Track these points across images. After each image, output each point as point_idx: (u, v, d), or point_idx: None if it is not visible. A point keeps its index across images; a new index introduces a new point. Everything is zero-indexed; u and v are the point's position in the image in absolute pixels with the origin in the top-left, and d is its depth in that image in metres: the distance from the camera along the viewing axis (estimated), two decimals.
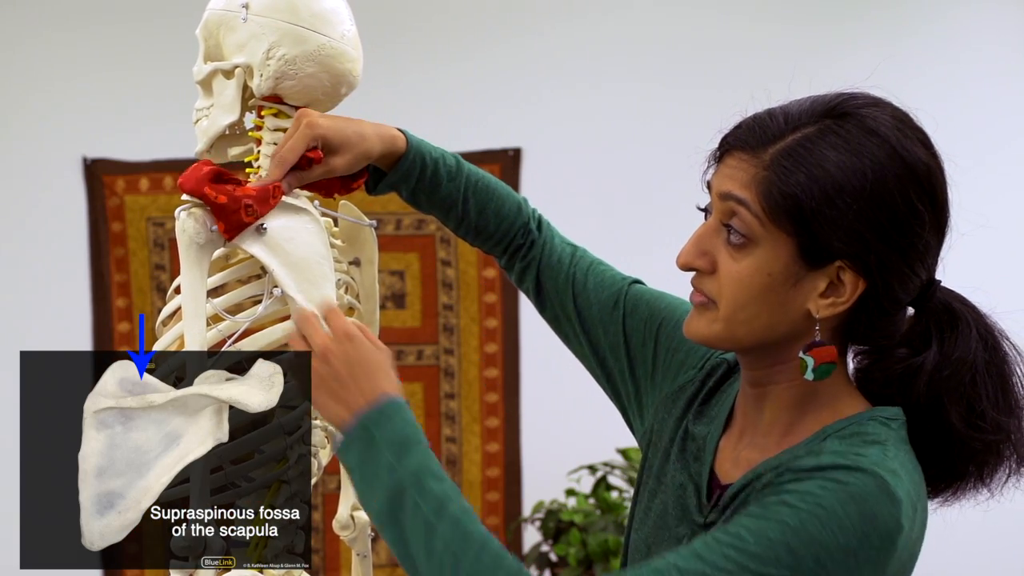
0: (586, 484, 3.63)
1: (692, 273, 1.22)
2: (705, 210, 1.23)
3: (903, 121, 1.17)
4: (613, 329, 1.47)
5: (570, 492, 3.47)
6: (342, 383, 1.23)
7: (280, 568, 1.48)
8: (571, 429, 3.63)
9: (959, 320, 1.19)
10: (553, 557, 3.64)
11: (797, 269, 1.14)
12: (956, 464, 1.21)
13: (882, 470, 1.08)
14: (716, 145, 1.21)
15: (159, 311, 1.47)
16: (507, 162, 3.73)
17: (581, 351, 1.52)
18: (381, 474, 1.17)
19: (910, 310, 1.21)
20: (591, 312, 1.49)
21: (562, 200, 3.59)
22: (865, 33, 3.71)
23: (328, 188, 1.45)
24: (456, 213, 1.52)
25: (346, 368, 1.23)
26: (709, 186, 1.21)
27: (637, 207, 3.73)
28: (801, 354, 1.16)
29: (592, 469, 3.52)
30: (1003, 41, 3.75)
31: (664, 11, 3.76)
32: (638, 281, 1.51)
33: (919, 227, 1.14)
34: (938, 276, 1.21)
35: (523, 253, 1.55)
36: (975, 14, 3.75)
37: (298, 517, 1.51)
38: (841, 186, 1.11)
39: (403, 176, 1.47)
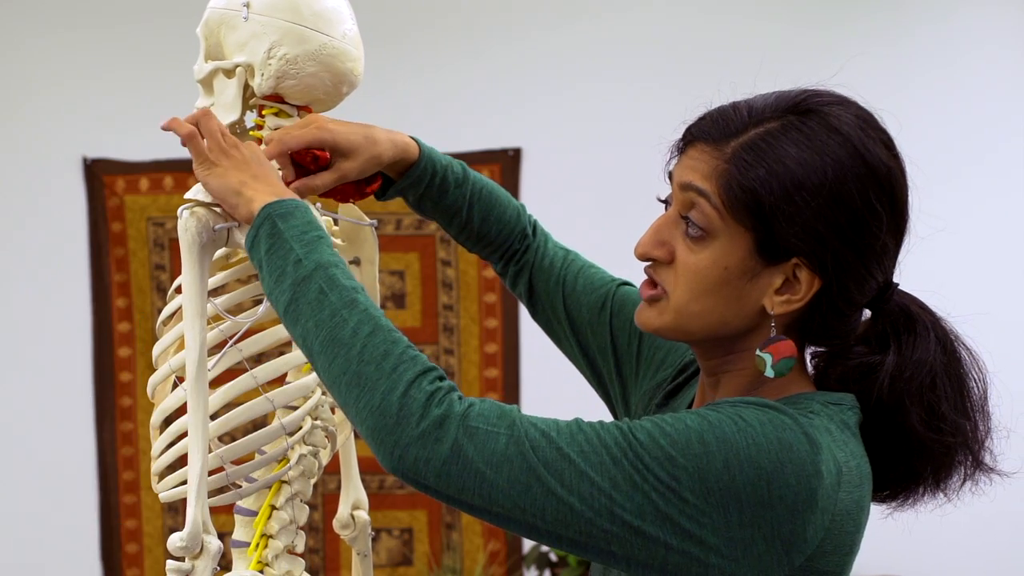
0: None
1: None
2: (666, 201, 1.23)
3: (867, 121, 1.16)
4: (601, 330, 1.48)
5: None
6: (247, 165, 1.25)
7: (280, 568, 1.48)
8: None
9: (916, 323, 1.19)
10: (553, 557, 3.64)
11: (753, 264, 1.14)
12: (914, 466, 1.20)
13: (802, 419, 1.09)
14: (680, 135, 1.21)
15: (159, 311, 1.47)
16: (507, 162, 3.73)
17: (572, 353, 1.54)
18: (287, 268, 1.16)
19: (867, 312, 1.21)
20: (580, 314, 1.50)
21: (562, 200, 3.60)
22: (866, 34, 3.71)
23: (344, 193, 1.45)
24: (459, 220, 1.53)
25: (252, 158, 1.26)
26: (671, 177, 1.21)
27: (636, 207, 3.72)
28: (758, 351, 1.15)
29: None
30: (1003, 43, 3.75)
31: (664, 11, 3.76)
32: (627, 283, 1.52)
33: (877, 228, 1.13)
34: (896, 279, 1.20)
35: (518, 258, 1.57)
36: (975, 15, 3.75)
37: (298, 517, 1.51)
38: (800, 182, 1.11)
39: (413, 183, 1.48)
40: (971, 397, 1.20)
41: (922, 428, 1.17)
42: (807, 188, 1.11)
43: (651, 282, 1.20)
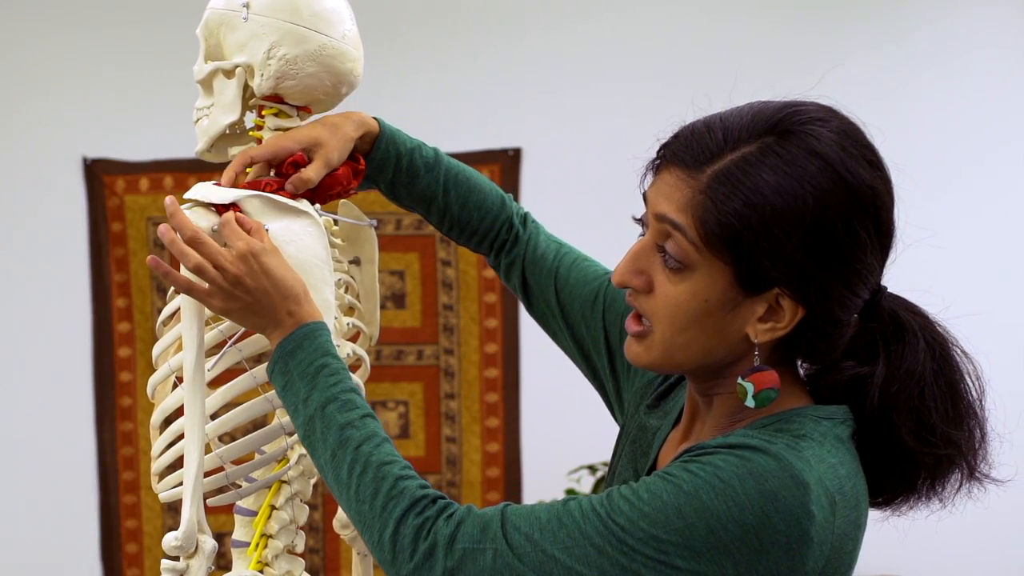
0: (586, 484, 3.63)
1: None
2: (641, 220, 1.19)
3: (849, 137, 1.11)
4: (594, 324, 1.46)
5: (570, 492, 3.47)
6: (260, 309, 1.27)
7: (280, 568, 1.48)
8: (571, 429, 3.63)
9: (906, 330, 1.16)
10: None
11: (734, 295, 1.11)
12: (907, 476, 1.19)
13: (789, 455, 1.07)
14: (654, 154, 1.17)
15: (159, 311, 1.47)
16: (507, 162, 3.73)
17: (568, 347, 1.52)
18: (298, 405, 1.22)
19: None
20: (573, 307, 1.49)
21: (562, 200, 3.59)
22: (866, 34, 3.71)
23: (344, 179, 1.44)
24: (438, 206, 1.52)
25: (259, 292, 1.26)
26: (645, 197, 1.17)
27: (637, 207, 3.73)
28: (740, 380, 1.13)
29: (592, 469, 3.52)
30: (1003, 43, 3.75)
31: (664, 11, 3.76)
32: None
33: (861, 253, 1.10)
34: (885, 281, 1.17)
35: (508, 249, 1.56)
36: (974, 15, 3.75)
37: (298, 517, 1.51)
38: (780, 215, 1.06)
39: (379, 166, 1.48)
40: (964, 403, 1.18)
41: (911, 440, 1.15)
42: (787, 220, 1.06)
43: (637, 317, 1.18)
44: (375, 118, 1.48)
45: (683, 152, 1.12)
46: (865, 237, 1.09)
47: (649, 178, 1.18)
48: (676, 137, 1.14)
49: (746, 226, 1.07)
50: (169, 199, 1.28)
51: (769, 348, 1.15)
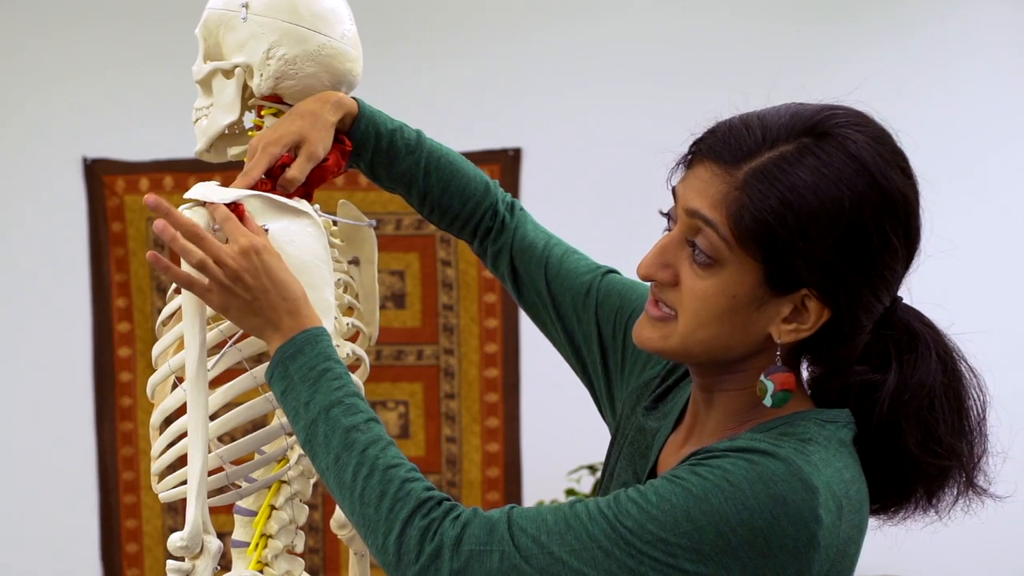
0: (586, 484, 3.63)
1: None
2: (668, 215, 1.19)
3: (883, 143, 1.12)
4: (586, 319, 1.46)
5: (570, 492, 3.47)
6: (258, 308, 1.26)
7: (279, 568, 1.48)
8: (571, 429, 3.63)
9: (919, 341, 1.17)
10: None
11: (762, 294, 1.11)
12: (908, 484, 1.19)
13: (797, 460, 1.07)
14: (687, 148, 1.16)
15: (159, 311, 1.47)
16: (507, 162, 3.73)
17: (558, 340, 1.51)
18: (299, 409, 1.21)
19: None
20: (564, 300, 1.48)
21: (562, 200, 3.59)
22: (865, 33, 3.70)
23: (335, 164, 1.44)
24: (418, 189, 1.51)
25: (258, 291, 1.25)
26: (675, 192, 1.17)
27: (637, 207, 3.72)
28: (763, 378, 1.14)
29: (592, 469, 3.52)
30: (1002, 42, 3.75)
31: (663, 11, 3.76)
32: (613, 271, 1.49)
33: (892, 259, 1.10)
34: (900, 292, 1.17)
35: (493, 237, 1.55)
36: (975, 16, 3.75)
37: (298, 517, 1.51)
38: (816, 215, 1.06)
39: (358, 146, 1.47)
40: (969, 417, 1.18)
41: (918, 450, 1.16)
42: (822, 221, 1.07)
43: (657, 301, 1.17)
44: (354, 98, 1.47)
45: (720, 147, 1.11)
46: (896, 244, 1.10)
47: (679, 173, 1.17)
48: (712, 132, 1.14)
49: (781, 224, 1.07)
50: (152, 197, 1.25)
51: (786, 348, 1.15)
